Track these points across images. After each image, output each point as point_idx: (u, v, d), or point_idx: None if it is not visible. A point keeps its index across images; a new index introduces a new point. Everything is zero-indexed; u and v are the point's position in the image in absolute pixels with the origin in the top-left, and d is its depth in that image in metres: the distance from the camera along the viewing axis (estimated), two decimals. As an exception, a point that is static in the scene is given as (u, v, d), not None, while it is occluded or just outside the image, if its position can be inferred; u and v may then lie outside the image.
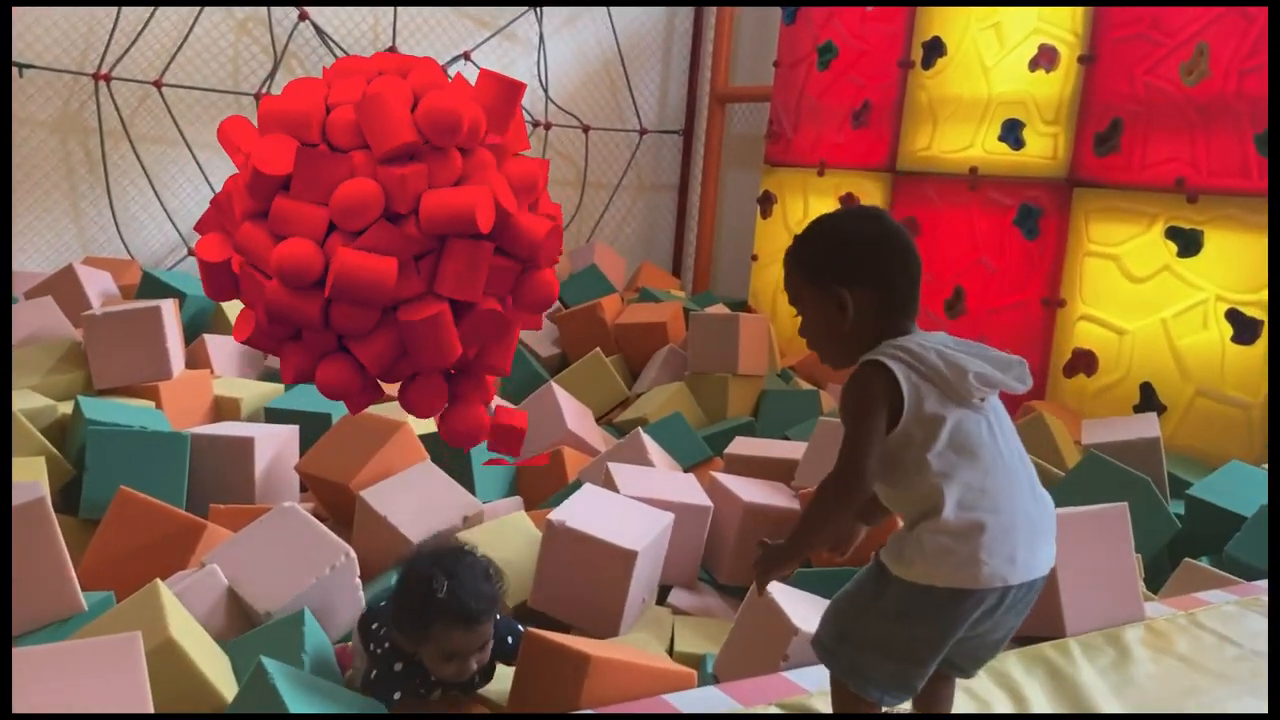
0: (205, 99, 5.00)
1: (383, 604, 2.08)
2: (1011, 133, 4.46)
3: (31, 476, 2.59)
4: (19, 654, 1.57)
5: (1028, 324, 4.39)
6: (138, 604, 1.96)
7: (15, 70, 4.55)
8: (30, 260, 4.75)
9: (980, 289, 4.59)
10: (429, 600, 1.89)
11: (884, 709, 1.60)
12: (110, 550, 2.44)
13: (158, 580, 1.99)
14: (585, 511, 2.51)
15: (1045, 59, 4.35)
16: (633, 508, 2.59)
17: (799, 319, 1.69)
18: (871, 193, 5.07)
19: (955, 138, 4.70)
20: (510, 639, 2.06)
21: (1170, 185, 3.93)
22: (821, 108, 5.34)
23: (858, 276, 1.60)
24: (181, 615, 1.96)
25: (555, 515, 2.49)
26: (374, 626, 2.01)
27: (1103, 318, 4.17)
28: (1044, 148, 4.36)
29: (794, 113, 5.50)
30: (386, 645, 1.97)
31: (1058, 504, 2.83)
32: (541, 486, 3.27)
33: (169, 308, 3.46)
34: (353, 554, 2.35)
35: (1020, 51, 4.44)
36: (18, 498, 2.04)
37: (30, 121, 4.70)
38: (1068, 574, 2.12)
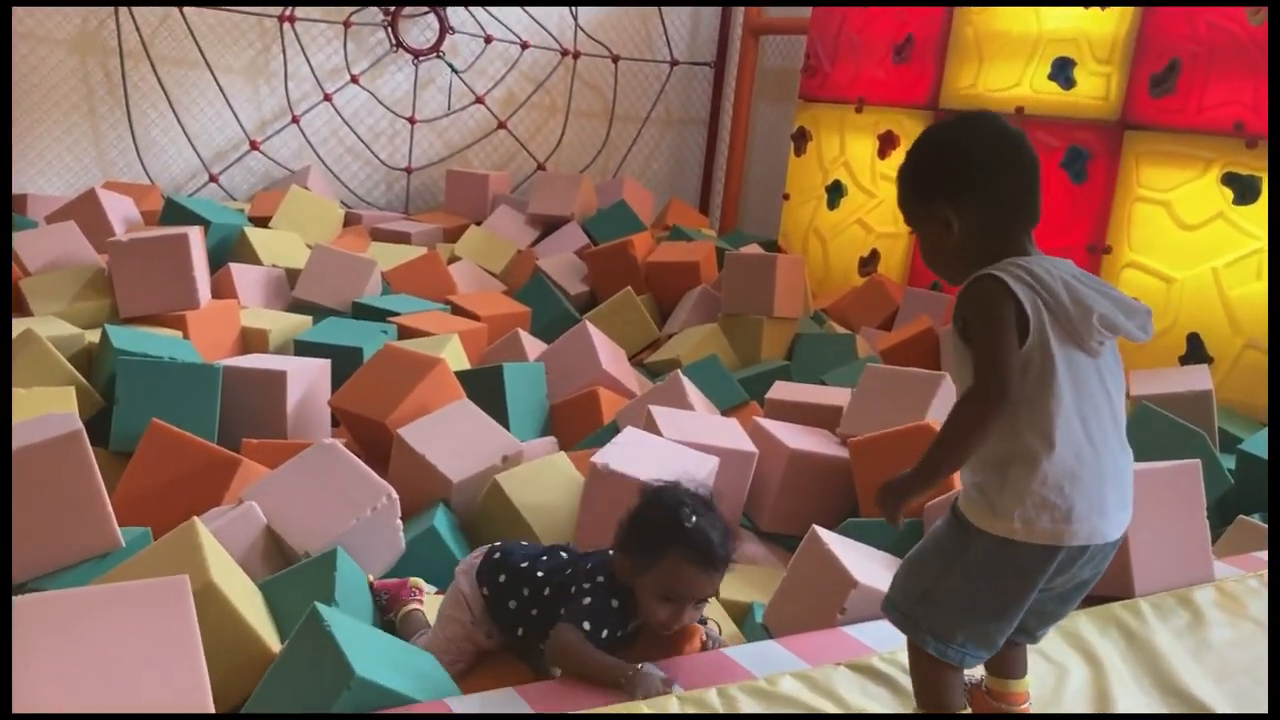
0: (228, 20, 4.86)
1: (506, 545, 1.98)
2: (1062, 71, 4.31)
3: (62, 407, 2.51)
4: (68, 594, 1.51)
5: (1071, 270, 4.27)
6: (175, 543, 1.89)
7: (33, -15, 4.41)
8: (49, 184, 4.64)
9: (1023, 233, 4.46)
10: (675, 525, 1.77)
11: (965, 669, 1.53)
12: (143, 484, 2.38)
13: (195, 519, 1.92)
14: (628, 454, 2.44)
15: (1101, -6, 4.19)
16: (676, 451, 2.52)
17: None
18: (912, 131, 4.92)
19: (1002, 75, 4.55)
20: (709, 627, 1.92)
21: (1229, 129, 3.79)
22: (861, 41, 5.17)
23: (961, 193, 1.50)
24: (220, 556, 1.89)
25: (598, 458, 2.41)
26: (589, 567, 1.86)
27: (1151, 265, 4.05)
28: (1095, 88, 4.21)
29: (832, 46, 5.33)
30: (599, 579, 1.82)
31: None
32: (577, 427, 3.20)
33: (195, 235, 3.37)
34: (394, 495, 2.28)
35: (1074, -14, 4.28)
36: (52, 430, 1.97)
37: (48, 40, 4.56)
38: (1137, 532, 2.02)
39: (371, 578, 2.16)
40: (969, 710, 1.57)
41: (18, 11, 4.45)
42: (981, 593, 1.47)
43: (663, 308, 4.49)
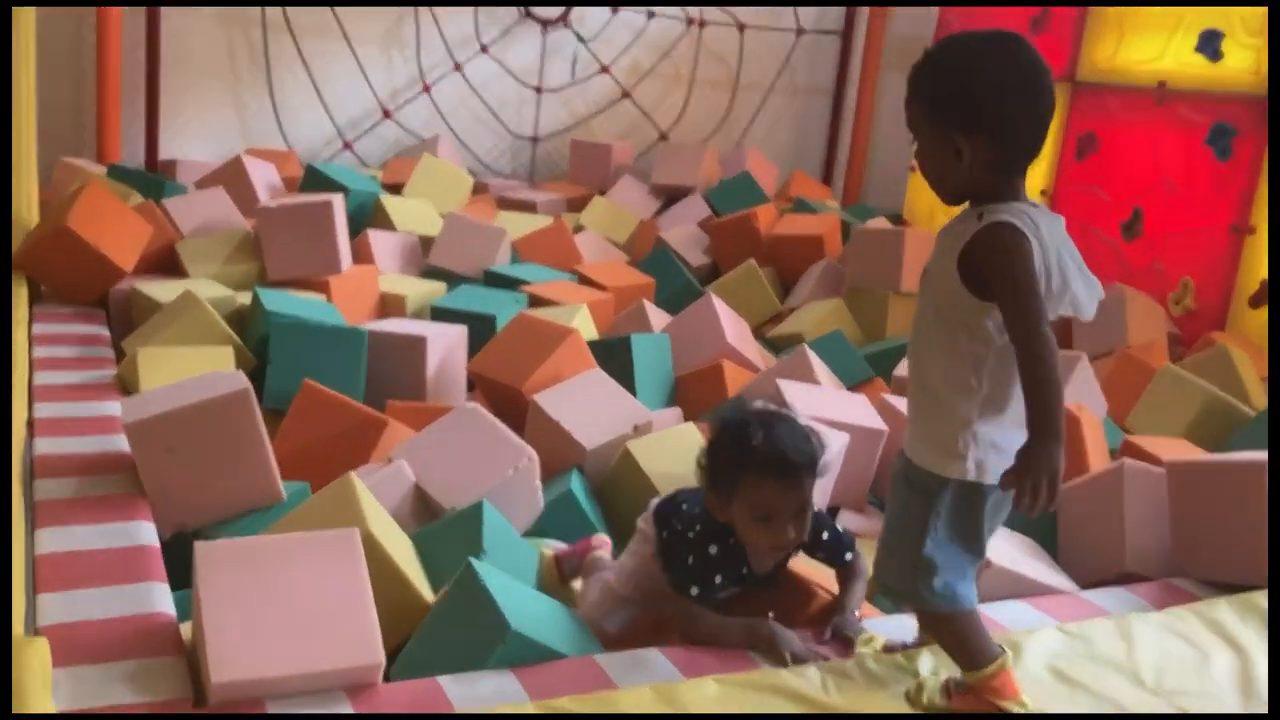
0: (367, -9, 4.99)
1: (681, 492, 1.99)
2: (1209, 43, 4.16)
3: (220, 365, 2.65)
4: (250, 542, 1.61)
5: (1211, 251, 4.14)
6: (334, 496, 1.98)
7: (185, -41, 4.59)
8: (195, 149, 4.84)
9: (1161, 212, 4.35)
10: (743, 448, 1.75)
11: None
12: (296, 441, 2.49)
13: (352, 474, 2.01)
14: (762, 428, 2.47)
15: (1255, -37, 4.03)
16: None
17: (914, 145, 1.59)
18: (1044, 104, 4.81)
19: (1144, 47, 4.41)
20: (826, 534, 1.89)
21: (1389, 106, 3.63)
22: (996, 12, 5.06)
23: (981, 124, 1.50)
24: (376, 509, 1.99)
25: (731, 429, 2.45)
26: (683, 506, 1.88)
27: (1297, 247, 3.90)
28: (1245, 61, 4.05)
29: (965, 15, 5.23)
30: (698, 528, 1.83)
31: (1246, 448, 2.72)
32: (701, 399, 3.23)
33: (338, 202, 3.49)
34: (534, 456, 2.37)
35: (1226, -46, 4.12)
36: (222, 388, 2.08)
37: (197, 13, 4.75)
38: (1284, 522, 2.00)
39: (550, 551, 2.18)
40: (1006, 649, 1.62)
41: (171, -15, 4.64)
42: (956, 538, 1.57)
43: (785, 280, 4.49)
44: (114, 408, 2.44)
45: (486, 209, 4.65)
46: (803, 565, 1.98)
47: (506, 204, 4.87)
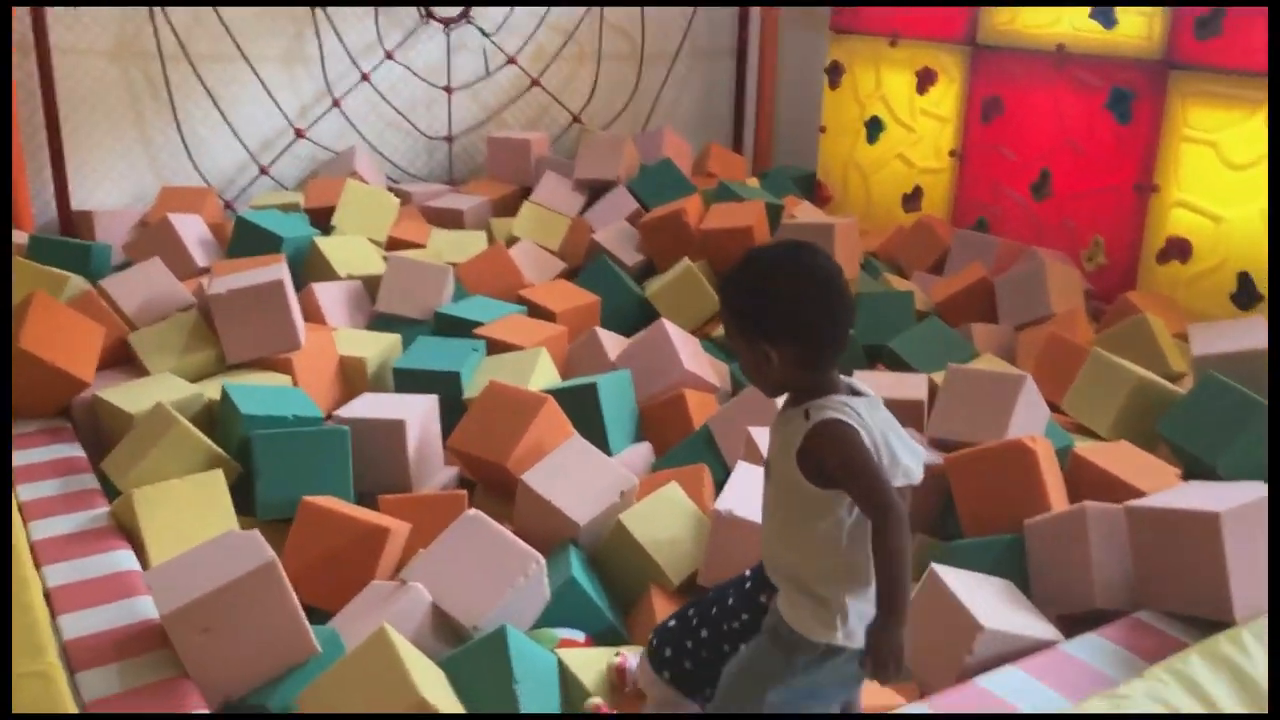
0: (262, 12, 4.84)
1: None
2: (1103, 11, 4.32)
3: (215, 493, 2.69)
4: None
5: (1119, 209, 4.37)
6: (371, 655, 2.05)
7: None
8: (108, 196, 4.72)
9: (1068, 172, 4.55)
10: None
11: None
12: (302, 561, 2.55)
13: (386, 627, 2.10)
14: (747, 496, 2.63)
15: (1142, -69, 4.17)
16: (790, 486, 2.70)
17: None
18: (949, 67, 4.94)
19: (1041, 12, 4.55)
20: None
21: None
22: (891, -28, 5.14)
23: (781, 331, 1.69)
24: (417, 661, 2.09)
25: (721, 505, 2.61)
26: None
27: (1199, 204, 4.14)
28: (1138, 27, 4.23)
29: (860, -20, 5.29)
30: None
31: (1176, 432, 2.94)
32: (667, 432, 3.38)
33: (285, 274, 3.48)
34: (542, 561, 2.48)
35: (1113, -79, 4.25)
36: (246, 560, 2.14)
37: (90, 52, 4.57)
38: (1237, 561, 2.23)
39: (617, 660, 2.32)
40: None
41: (54, 25, 4.44)
42: (803, 691, 1.75)
43: (719, 272, 4.58)
44: (122, 559, 2.49)
45: (416, 227, 4.64)
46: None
47: (432, 216, 4.85)
